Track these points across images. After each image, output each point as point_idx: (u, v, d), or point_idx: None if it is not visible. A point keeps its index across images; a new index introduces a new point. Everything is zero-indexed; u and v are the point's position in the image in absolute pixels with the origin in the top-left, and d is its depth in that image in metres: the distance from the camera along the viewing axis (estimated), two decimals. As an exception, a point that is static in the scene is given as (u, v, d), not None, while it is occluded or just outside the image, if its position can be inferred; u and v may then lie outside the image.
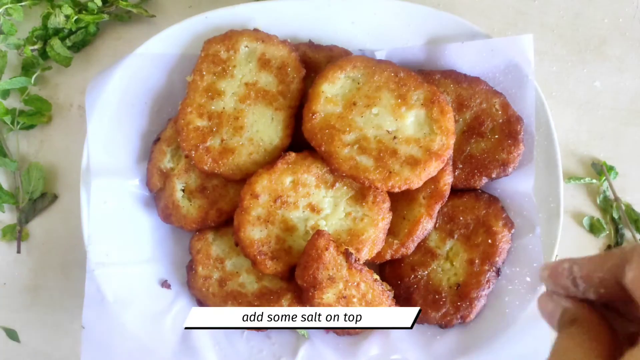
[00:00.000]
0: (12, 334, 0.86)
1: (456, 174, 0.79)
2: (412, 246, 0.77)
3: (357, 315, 0.76)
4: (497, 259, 0.77)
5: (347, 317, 0.76)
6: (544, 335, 0.73)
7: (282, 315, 0.76)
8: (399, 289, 0.79)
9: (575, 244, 0.85)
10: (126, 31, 0.92)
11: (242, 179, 0.77)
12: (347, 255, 0.73)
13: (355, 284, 0.74)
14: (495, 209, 0.79)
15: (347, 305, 0.75)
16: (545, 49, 0.90)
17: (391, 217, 0.76)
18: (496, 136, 0.79)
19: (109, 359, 0.76)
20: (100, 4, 0.89)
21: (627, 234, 0.85)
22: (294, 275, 0.76)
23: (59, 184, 0.89)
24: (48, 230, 0.88)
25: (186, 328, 0.78)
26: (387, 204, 0.76)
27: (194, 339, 0.78)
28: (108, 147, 0.81)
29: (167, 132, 0.82)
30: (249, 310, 0.77)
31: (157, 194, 0.83)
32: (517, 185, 0.79)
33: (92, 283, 0.77)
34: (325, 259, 0.72)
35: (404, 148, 0.73)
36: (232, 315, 0.77)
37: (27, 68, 0.89)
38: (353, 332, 0.77)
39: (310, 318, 0.77)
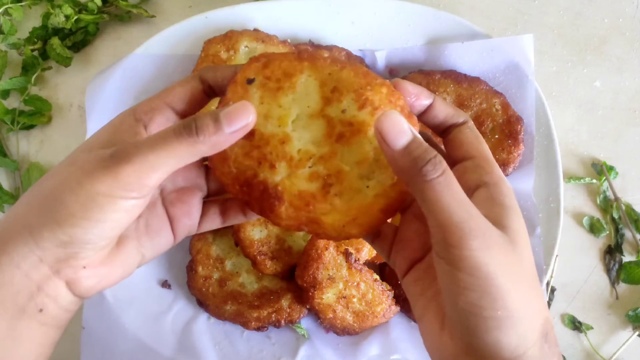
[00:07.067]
0: (12, 334, 0.86)
1: (456, 174, 0.79)
2: (412, 246, 0.77)
3: (357, 315, 0.76)
4: (497, 259, 0.77)
5: (347, 317, 0.76)
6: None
7: (282, 315, 0.77)
8: (399, 289, 0.79)
9: (575, 244, 0.85)
10: (126, 31, 0.92)
11: (242, 179, 0.77)
12: (347, 255, 0.73)
13: (355, 284, 0.74)
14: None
15: (347, 305, 0.75)
16: (545, 49, 0.90)
17: (391, 217, 0.76)
18: (496, 136, 0.79)
19: (109, 359, 0.76)
20: (100, 4, 0.89)
21: (627, 233, 0.85)
22: (294, 275, 0.76)
23: (59, 184, 0.89)
24: (48, 230, 0.88)
25: (186, 328, 0.78)
26: (387, 204, 0.76)
27: (194, 339, 0.78)
28: (108, 147, 0.81)
29: (167, 132, 0.82)
30: (249, 311, 0.77)
31: (157, 194, 0.83)
32: (517, 185, 0.79)
33: (92, 283, 0.77)
34: (325, 259, 0.73)
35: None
36: (232, 315, 0.77)
37: (27, 68, 0.89)
38: (353, 332, 0.77)
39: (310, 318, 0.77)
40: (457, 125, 0.48)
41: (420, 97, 0.47)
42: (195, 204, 0.51)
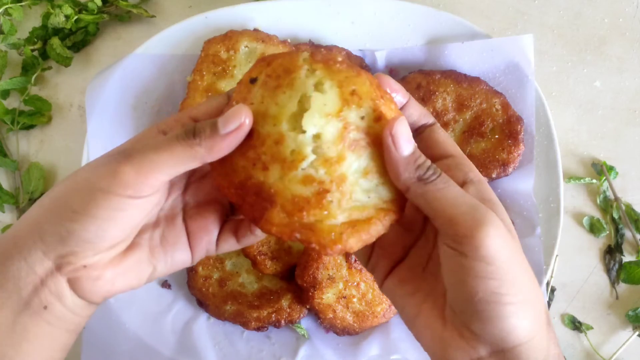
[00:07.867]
0: (12, 334, 0.86)
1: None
2: (412, 246, 0.77)
3: (357, 315, 0.76)
4: (497, 259, 0.77)
5: (347, 317, 0.76)
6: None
7: (282, 315, 0.77)
8: (399, 289, 0.79)
9: (575, 244, 0.85)
10: (126, 31, 0.92)
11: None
12: (347, 255, 0.73)
13: (355, 284, 0.74)
14: (495, 209, 0.79)
15: (347, 305, 0.75)
16: (545, 49, 0.90)
17: (391, 217, 0.76)
18: (496, 136, 0.79)
19: (109, 359, 0.76)
20: (100, 4, 0.89)
21: (627, 233, 0.85)
22: (294, 275, 0.76)
23: (59, 184, 0.89)
24: (48, 230, 0.88)
25: (186, 328, 0.78)
26: (387, 204, 0.76)
27: (194, 339, 0.78)
28: (108, 147, 0.80)
29: (167, 132, 0.82)
30: (249, 311, 0.77)
31: (157, 194, 0.83)
32: (517, 185, 0.79)
33: (92, 283, 0.77)
34: (325, 259, 0.73)
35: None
36: (232, 315, 0.77)
37: (27, 68, 0.89)
38: (353, 332, 0.77)
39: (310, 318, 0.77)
40: (428, 126, 0.49)
41: (399, 94, 0.48)
42: (213, 219, 0.50)
